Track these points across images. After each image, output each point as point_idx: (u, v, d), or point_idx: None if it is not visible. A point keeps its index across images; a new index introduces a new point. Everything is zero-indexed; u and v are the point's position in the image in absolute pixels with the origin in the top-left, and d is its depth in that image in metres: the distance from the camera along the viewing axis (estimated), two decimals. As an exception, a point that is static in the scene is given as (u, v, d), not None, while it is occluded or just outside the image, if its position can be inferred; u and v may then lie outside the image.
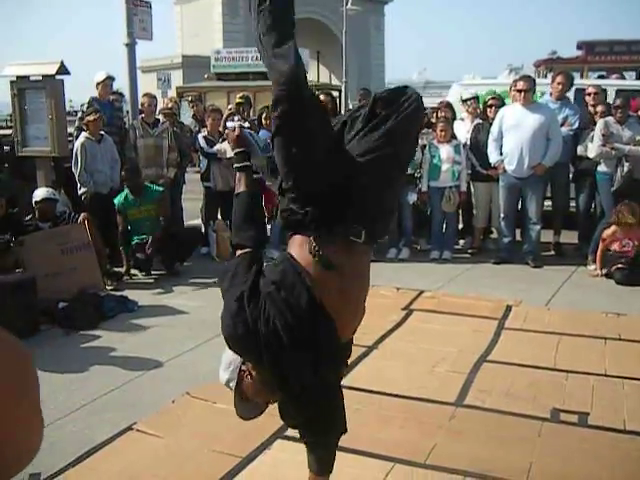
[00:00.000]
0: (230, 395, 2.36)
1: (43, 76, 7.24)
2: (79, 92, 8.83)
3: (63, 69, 7.16)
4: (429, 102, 10.62)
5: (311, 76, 24.87)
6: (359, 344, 5.14)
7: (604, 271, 7.18)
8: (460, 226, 8.82)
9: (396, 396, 4.24)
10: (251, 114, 9.79)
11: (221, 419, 3.91)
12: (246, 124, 8.11)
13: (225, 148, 7.54)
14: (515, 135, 7.53)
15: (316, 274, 2.18)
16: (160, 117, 8.65)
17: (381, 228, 2.52)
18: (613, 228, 7.15)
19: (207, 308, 6.18)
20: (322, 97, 9.09)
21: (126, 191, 7.46)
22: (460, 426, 3.84)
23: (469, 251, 8.38)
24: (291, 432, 3.77)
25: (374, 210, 2.33)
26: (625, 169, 7.36)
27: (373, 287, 7.05)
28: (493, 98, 8.41)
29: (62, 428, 3.89)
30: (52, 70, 7.12)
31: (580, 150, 7.76)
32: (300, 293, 2.14)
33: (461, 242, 8.73)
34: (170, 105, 9.64)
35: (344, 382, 4.41)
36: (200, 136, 8.47)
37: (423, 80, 50.15)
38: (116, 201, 7.36)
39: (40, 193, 6.76)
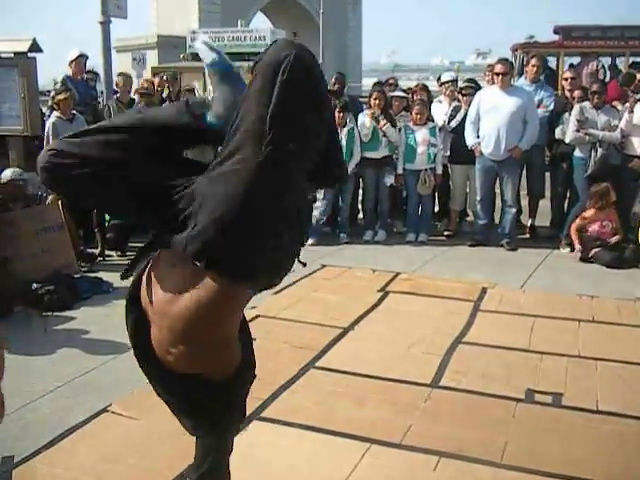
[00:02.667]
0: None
1: (15, 53, 7.10)
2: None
3: (35, 46, 7.03)
4: (401, 85, 10.69)
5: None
6: (335, 325, 5.17)
7: (578, 252, 7.23)
8: (436, 208, 8.85)
9: (371, 377, 4.25)
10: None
11: (197, 401, 3.89)
12: None
13: None
14: (492, 118, 7.55)
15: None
16: (136, 97, 8.54)
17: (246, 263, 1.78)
18: (593, 210, 7.23)
19: (183, 290, 6.15)
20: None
21: None
22: (435, 407, 3.87)
23: (445, 233, 8.41)
24: (268, 414, 3.78)
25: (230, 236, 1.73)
26: (598, 154, 7.41)
27: (350, 269, 7.10)
28: (468, 86, 8.42)
29: (36, 411, 3.85)
30: (24, 47, 6.99)
31: (558, 133, 7.79)
32: (131, 283, 2.05)
33: (437, 224, 8.76)
34: (146, 85, 9.49)
35: (320, 363, 4.45)
36: None
37: (392, 63, 50.05)
38: None
39: (7, 174, 6.63)
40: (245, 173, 1.70)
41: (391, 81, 9.73)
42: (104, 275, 6.51)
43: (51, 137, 7.41)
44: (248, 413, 3.67)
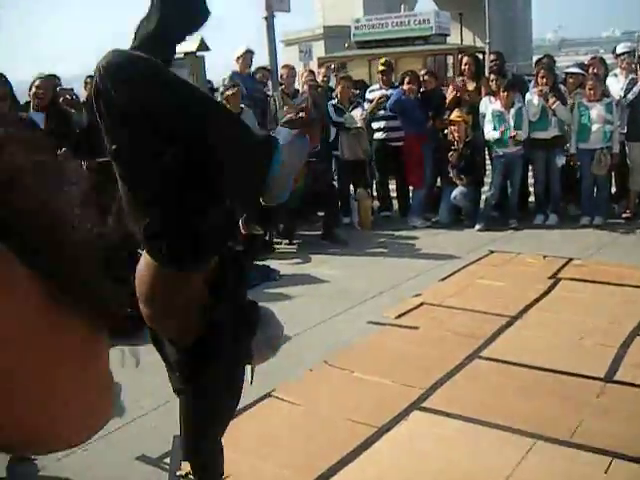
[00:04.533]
0: (368, 364, 2.32)
1: (185, 53, 7.49)
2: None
3: (203, 46, 7.37)
4: (566, 61, 10.05)
5: (454, 39, 24.15)
6: (501, 314, 4.99)
7: None
8: (613, 190, 8.32)
9: (539, 369, 4.05)
10: (392, 79, 9.60)
11: (358, 388, 3.91)
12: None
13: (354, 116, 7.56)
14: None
15: None
16: (305, 87, 8.67)
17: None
18: None
19: (347, 277, 6.21)
20: (465, 59, 8.82)
21: None
22: (609, 403, 3.61)
23: (623, 216, 7.89)
24: (429, 404, 3.71)
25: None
26: None
27: (519, 254, 6.81)
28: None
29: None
30: (193, 47, 7.34)
31: None
32: None
33: (614, 207, 8.24)
34: (306, 75, 9.63)
35: (485, 353, 4.31)
36: (330, 104, 8.40)
37: (558, 39, 47.44)
38: None
39: None
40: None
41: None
42: (271, 263, 6.66)
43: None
44: (408, 403, 3.68)
